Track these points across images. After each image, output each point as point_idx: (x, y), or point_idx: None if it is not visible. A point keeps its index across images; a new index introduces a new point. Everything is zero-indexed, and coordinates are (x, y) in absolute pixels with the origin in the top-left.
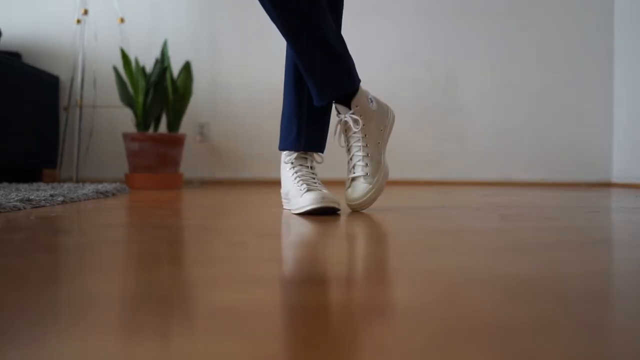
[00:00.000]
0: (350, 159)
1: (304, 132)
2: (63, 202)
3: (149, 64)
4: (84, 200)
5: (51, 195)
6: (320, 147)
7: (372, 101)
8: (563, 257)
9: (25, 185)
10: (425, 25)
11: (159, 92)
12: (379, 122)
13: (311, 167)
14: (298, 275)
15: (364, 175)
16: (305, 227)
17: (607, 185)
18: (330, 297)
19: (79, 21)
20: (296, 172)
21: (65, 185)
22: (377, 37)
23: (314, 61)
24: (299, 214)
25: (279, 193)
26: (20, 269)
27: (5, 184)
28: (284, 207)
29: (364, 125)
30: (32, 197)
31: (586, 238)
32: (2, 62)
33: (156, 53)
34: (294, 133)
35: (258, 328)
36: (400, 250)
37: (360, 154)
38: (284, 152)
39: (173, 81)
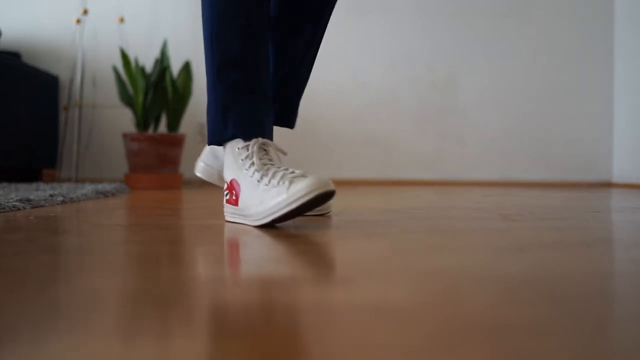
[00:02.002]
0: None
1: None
2: (62, 202)
3: (148, 63)
4: (84, 200)
5: (50, 195)
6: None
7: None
8: (563, 257)
9: (25, 185)
10: (425, 25)
11: (159, 92)
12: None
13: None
14: (298, 274)
15: None
16: (304, 227)
17: (607, 185)
18: (330, 297)
19: (78, 21)
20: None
21: (65, 185)
22: (377, 36)
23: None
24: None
25: None
26: (20, 269)
27: (4, 184)
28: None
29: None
30: (32, 197)
31: (586, 238)
32: (2, 62)
33: (156, 53)
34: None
35: (258, 328)
36: (400, 250)
37: None
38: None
39: (173, 81)
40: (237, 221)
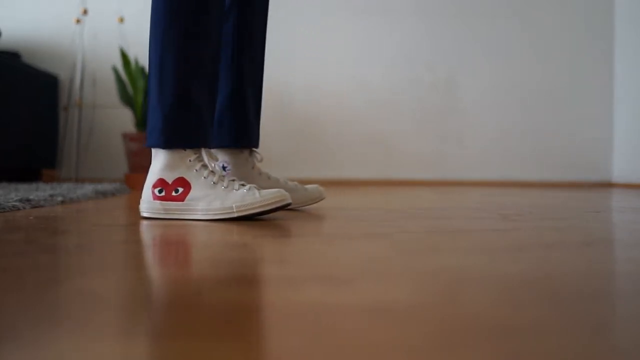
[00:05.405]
0: None
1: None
2: (62, 202)
3: None
4: (84, 200)
5: (50, 195)
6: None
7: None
8: (563, 257)
9: (25, 185)
10: (425, 26)
11: None
12: None
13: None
14: (298, 275)
15: None
16: (304, 227)
17: (608, 185)
18: (330, 297)
19: (78, 21)
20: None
21: (65, 185)
22: (377, 37)
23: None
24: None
25: None
26: (20, 269)
27: (4, 184)
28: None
29: None
30: (32, 197)
31: (586, 238)
32: (2, 62)
33: None
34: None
35: (258, 328)
36: (400, 250)
37: None
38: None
39: None
40: (175, 217)
